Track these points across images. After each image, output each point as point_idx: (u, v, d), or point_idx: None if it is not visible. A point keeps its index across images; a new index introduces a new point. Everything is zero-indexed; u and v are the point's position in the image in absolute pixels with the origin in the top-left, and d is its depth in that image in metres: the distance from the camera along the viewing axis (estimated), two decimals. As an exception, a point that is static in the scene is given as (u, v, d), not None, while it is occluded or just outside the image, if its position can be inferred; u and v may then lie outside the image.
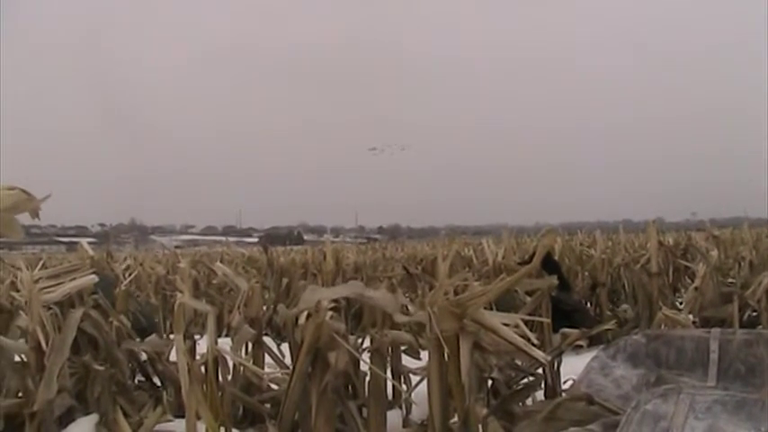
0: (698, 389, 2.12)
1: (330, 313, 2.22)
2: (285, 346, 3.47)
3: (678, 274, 7.34)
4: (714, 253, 6.15)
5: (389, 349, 2.94)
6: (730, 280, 6.03)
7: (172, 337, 3.13)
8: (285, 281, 7.03)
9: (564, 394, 3.00)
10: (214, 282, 6.70)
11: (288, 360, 3.30)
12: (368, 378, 2.48)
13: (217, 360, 2.56)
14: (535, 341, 2.03)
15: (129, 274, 5.72)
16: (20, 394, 2.58)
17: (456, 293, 2.78)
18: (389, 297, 2.41)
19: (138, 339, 3.54)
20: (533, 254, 4.68)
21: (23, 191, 2.25)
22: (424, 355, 2.47)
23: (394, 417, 2.94)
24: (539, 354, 2.00)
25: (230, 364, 2.87)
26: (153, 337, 3.69)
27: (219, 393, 2.57)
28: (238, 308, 3.37)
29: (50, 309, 2.85)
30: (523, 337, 2.01)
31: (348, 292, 2.41)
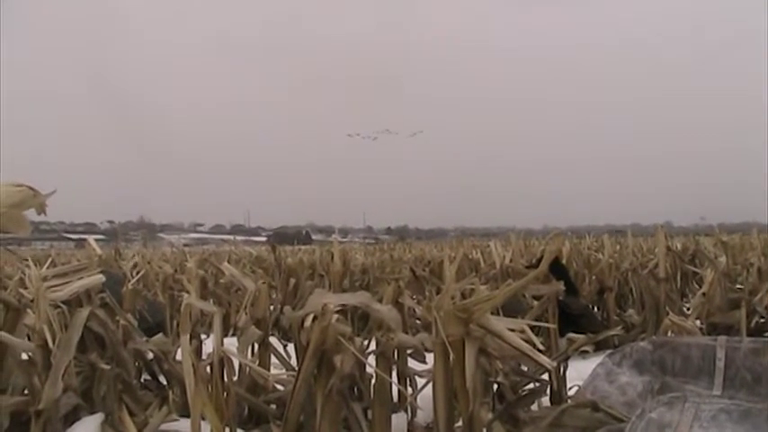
0: (703, 397, 2.11)
1: (336, 316, 2.22)
2: (291, 347, 3.48)
3: (686, 280, 7.31)
4: (722, 259, 6.10)
5: (395, 352, 2.94)
6: (738, 286, 5.99)
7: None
8: (293, 281, 7.03)
9: (570, 400, 2.99)
10: (222, 281, 6.70)
11: (294, 361, 3.30)
12: (373, 381, 2.48)
13: (223, 360, 2.57)
14: (540, 346, 2.02)
15: (137, 273, 5.72)
16: (26, 392, 2.60)
17: (463, 297, 2.79)
18: (394, 313, 2.41)
19: (144, 338, 3.55)
20: (541, 258, 4.66)
21: (30, 187, 2.27)
22: (430, 357, 2.46)
23: (399, 420, 2.94)
24: (544, 360, 1.99)
25: (236, 364, 2.87)
26: (160, 336, 3.69)
27: (225, 394, 2.58)
28: (245, 308, 3.38)
29: (58, 307, 2.86)
30: (529, 342, 2.01)
31: (355, 301, 2.41)
